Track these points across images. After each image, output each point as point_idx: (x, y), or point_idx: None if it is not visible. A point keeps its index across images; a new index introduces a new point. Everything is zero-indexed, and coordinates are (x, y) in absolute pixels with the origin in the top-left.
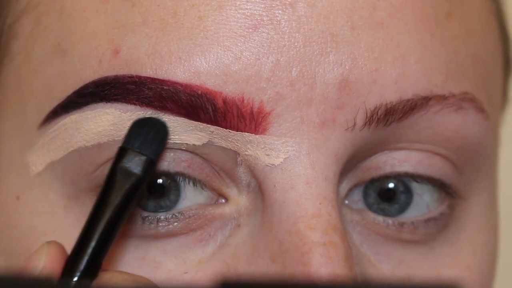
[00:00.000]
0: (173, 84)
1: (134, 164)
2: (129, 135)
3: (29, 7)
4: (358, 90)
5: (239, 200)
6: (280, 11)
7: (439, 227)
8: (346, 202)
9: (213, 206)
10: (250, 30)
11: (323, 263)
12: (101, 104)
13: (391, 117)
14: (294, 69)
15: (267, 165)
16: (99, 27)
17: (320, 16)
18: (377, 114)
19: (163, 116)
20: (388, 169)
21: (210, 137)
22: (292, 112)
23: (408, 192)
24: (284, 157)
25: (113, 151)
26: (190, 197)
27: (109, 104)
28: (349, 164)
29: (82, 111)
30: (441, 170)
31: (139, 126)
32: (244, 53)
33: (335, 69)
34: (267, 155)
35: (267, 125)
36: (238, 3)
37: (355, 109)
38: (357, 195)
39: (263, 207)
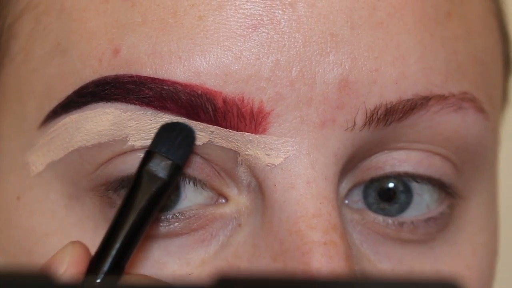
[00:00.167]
0: (173, 84)
1: (161, 168)
2: (157, 139)
3: (29, 6)
4: (358, 90)
5: (239, 200)
6: (280, 11)
7: (439, 227)
8: (346, 201)
9: (214, 206)
10: (250, 30)
11: (323, 262)
12: (101, 104)
13: (391, 117)
14: (294, 69)
15: (267, 165)
16: (99, 26)
17: (320, 16)
18: (377, 114)
19: (163, 116)
20: (388, 169)
21: (210, 137)
22: (292, 112)
23: (408, 192)
24: (284, 156)
25: (113, 150)
26: (190, 197)
27: (109, 103)
28: (349, 164)
29: (82, 111)
30: (440, 170)
31: (167, 130)
32: (244, 53)
33: (335, 69)
34: (267, 154)
35: (267, 125)
36: (238, 3)
37: (355, 109)
38: (357, 194)
39: (264, 207)
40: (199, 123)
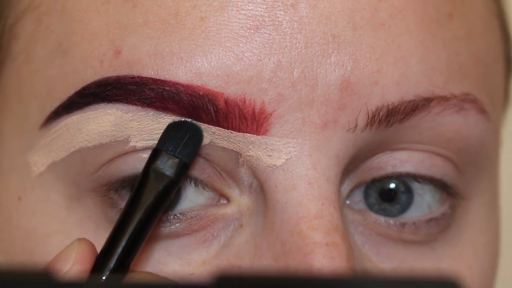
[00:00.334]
0: (175, 84)
1: (168, 166)
2: (164, 138)
3: (30, 7)
4: (359, 91)
5: (241, 201)
6: (281, 12)
7: (440, 227)
8: (348, 202)
9: (215, 207)
10: (252, 31)
11: (325, 263)
12: (102, 105)
13: (393, 118)
14: (295, 70)
15: (269, 166)
16: (101, 27)
17: (321, 17)
18: (379, 115)
19: (165, 117)
20: (389, 170)
21: (212, 138)
22: (293, 113)
23: (409, 192)
24: (286, 158)
25: (115, 151)
26: (192, 198)
27: (110, 104)
28: (351, 165)
29: (83, 112)
30: (442, 170)
31: (174, 129)
32: (245, 54)
33: (336, 70)
34: (269, 156)
35: (268, 126)
36: (240, 4)
37: (357, 110)
38: (358, 195)
39: (265, 207)
40: (201, 124)
